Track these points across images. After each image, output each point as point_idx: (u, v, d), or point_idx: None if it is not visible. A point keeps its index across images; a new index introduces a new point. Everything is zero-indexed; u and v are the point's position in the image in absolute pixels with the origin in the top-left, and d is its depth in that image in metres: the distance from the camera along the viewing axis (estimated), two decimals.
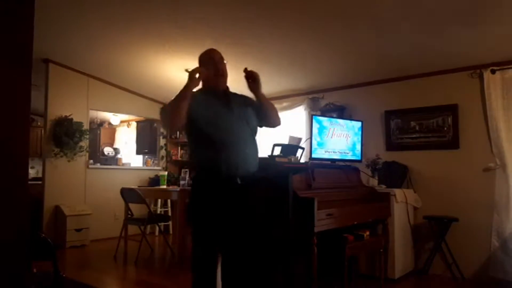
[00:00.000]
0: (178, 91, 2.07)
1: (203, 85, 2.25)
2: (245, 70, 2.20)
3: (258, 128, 2.35)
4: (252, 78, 2.21)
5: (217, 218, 2.10)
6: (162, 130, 6.80)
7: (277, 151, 3.04)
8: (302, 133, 4.96)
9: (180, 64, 4.75)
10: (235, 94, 2.32)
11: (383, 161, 4.31)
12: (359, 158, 3.94)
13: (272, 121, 2.34)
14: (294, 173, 2.80)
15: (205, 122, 2.12)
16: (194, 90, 2.13)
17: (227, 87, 2.29)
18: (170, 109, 2.08)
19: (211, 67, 2.20)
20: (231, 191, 2.11)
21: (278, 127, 2.42)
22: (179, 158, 6.84)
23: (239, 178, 2.12)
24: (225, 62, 2.26)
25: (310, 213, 2.69)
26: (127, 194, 4.72)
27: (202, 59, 2.29)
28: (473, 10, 3.05)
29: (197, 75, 2.08)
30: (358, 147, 3.93)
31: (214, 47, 2.33)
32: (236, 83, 2.35)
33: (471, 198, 3.93)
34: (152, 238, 5.72)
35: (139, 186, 5.52)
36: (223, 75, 2.24)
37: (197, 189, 2.19)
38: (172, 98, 2.08)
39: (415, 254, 4.14)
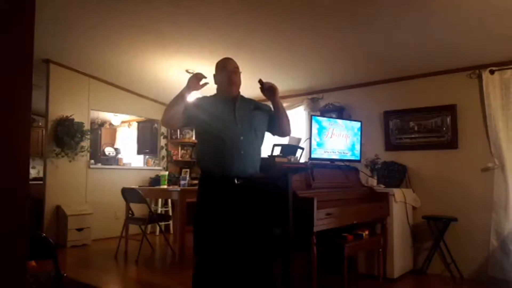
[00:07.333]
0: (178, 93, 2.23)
1: (217, 91, 2.40)
2: (260, 81, 2.30)
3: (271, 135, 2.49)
4: (266, 89, 2.31)
5: (215, 217, 2.17)
6: (162, 130, 6.83)
7: (277, 151, 3.06)
8: (302, 133, 4.97)
9: (180, 65, 4.76)
10: (243, 98, 2.40)
11: (382, 161, 4.33)
12: (358, 158, 3.96)
13: (283, 131, 2.44)
14: (294, 173, 2.81)
15: (208, 125, 2.23)
16: (210, 95, 2.33)
17: (238, 93, 2.37)
18: (166, 110, 2.25)
19: (224, 75, 2.31)
20: (228, 190, 2.18)
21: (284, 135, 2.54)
22: (180, 158, 6.86)
23: (237, 178, 2.19)
24: (240, 71, 2.36)
25: (309, 212, 2.71)
26: (128, 194, 4.74)
27: (217, 67, 2.40)
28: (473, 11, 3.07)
29: (201, 82, 2.23)
30: (357, 147, 3.94)
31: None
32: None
33: (470, 198, 3.93)
34: (152, 238, 5.73)
35: (140, 186, 5.54)
36: (235, 84, 2.33)
37: (200, 189, 2.28)
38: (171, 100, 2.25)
39: (414, 254, 4.15)
